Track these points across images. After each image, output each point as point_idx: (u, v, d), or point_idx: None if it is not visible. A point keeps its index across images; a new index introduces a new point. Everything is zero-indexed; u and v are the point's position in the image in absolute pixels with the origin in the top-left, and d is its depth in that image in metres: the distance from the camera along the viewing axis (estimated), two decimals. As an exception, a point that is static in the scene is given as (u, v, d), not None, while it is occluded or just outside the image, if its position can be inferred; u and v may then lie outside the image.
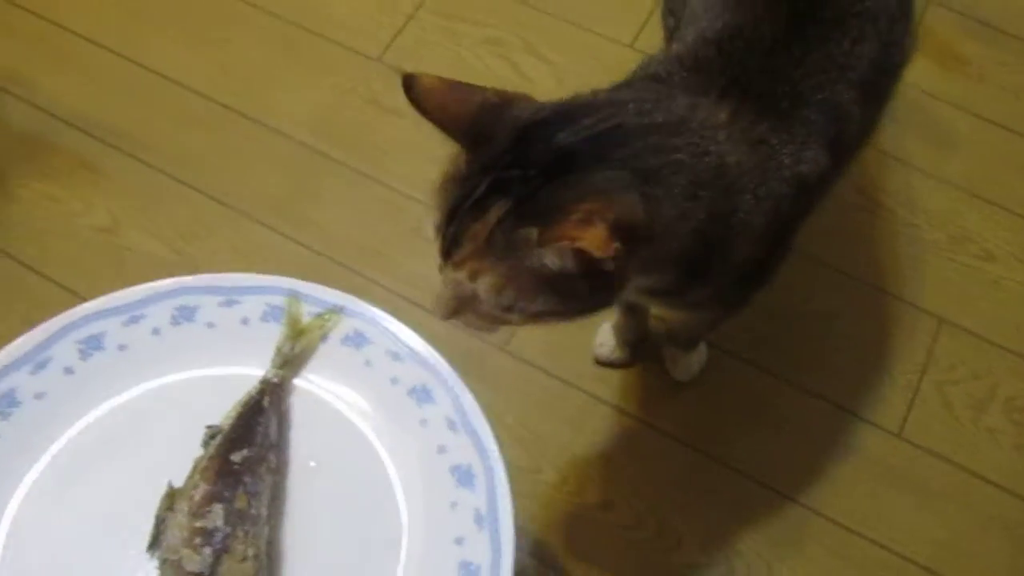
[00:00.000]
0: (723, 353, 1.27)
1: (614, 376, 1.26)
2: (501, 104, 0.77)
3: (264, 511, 0.77)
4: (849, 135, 0.92)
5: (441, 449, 0.81)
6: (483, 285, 0.75)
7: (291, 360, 0.85)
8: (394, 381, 0.85)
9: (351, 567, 0.77)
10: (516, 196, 0.72)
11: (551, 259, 0.72)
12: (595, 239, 0.69)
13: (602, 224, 0.69)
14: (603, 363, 1.27)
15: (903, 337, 1.29)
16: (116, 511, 0.78)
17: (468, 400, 0.83)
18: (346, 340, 0.86)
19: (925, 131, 1.46)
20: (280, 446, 0.81)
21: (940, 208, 1.38)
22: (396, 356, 0.85)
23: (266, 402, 0.81)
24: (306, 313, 0.87)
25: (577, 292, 0.75)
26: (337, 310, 0.87)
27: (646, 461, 1.21)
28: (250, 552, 0.73)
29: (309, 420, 0.83)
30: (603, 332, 1.26)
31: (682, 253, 0.81)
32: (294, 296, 0.87)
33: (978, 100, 1.48)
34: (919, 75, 1.43)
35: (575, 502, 1.18)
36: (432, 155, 1.27)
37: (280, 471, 0.80)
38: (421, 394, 0.84)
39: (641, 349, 1.27)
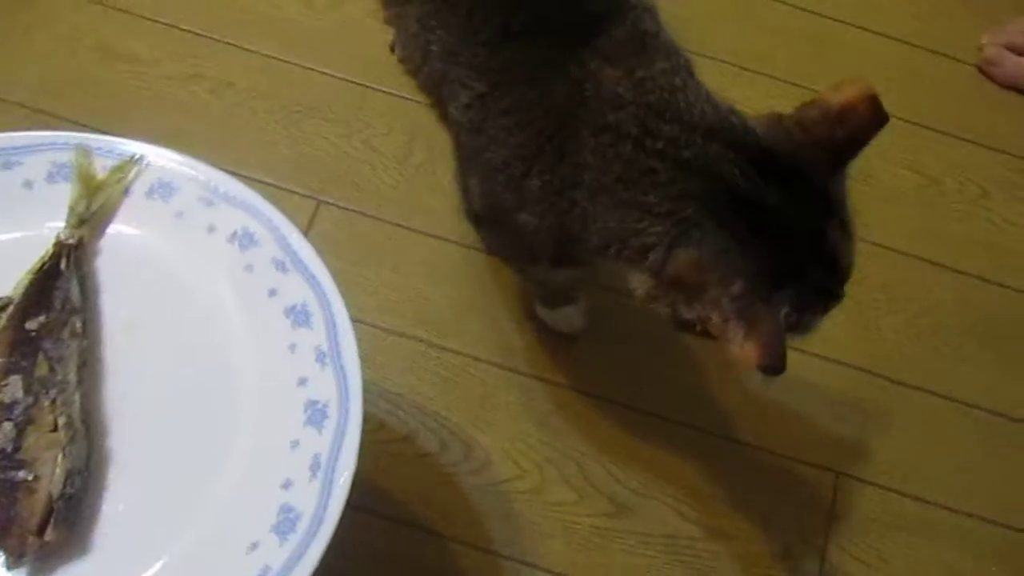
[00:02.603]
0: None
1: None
2: None
3: (72, 377, 0.69)
4: None
5: (272, 292, 0.75)
6: None
7: (88, 219, 0.76)
8: (211, 229, 0.77)
9: (185, 426, 0.71)
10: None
11: None
12: None
13: None
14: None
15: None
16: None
17: (295, 237, 0.77)
18: (151, 192, 0.78)
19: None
20: (86, 310, 0.73)
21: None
22: (209, 203, 0.78)
23: (63, 264, 0.73)
24: (101, 167, 0.78)
25: None
26: (136, 160, 0.79)
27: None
28: (60, 420, 0.66)
29: (121, 280, 0.76)
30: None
31: None
32: (82, 149, 0.78)
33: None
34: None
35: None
36: (181, 103, 1.23)
37: (90, 336, 0.72)
38: (243, 238, 0.77)
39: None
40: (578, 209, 0.82)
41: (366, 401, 0.71)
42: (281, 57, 1.28)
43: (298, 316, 0.74)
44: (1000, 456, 1.16)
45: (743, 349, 0.71)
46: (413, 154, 1.24)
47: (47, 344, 0.69)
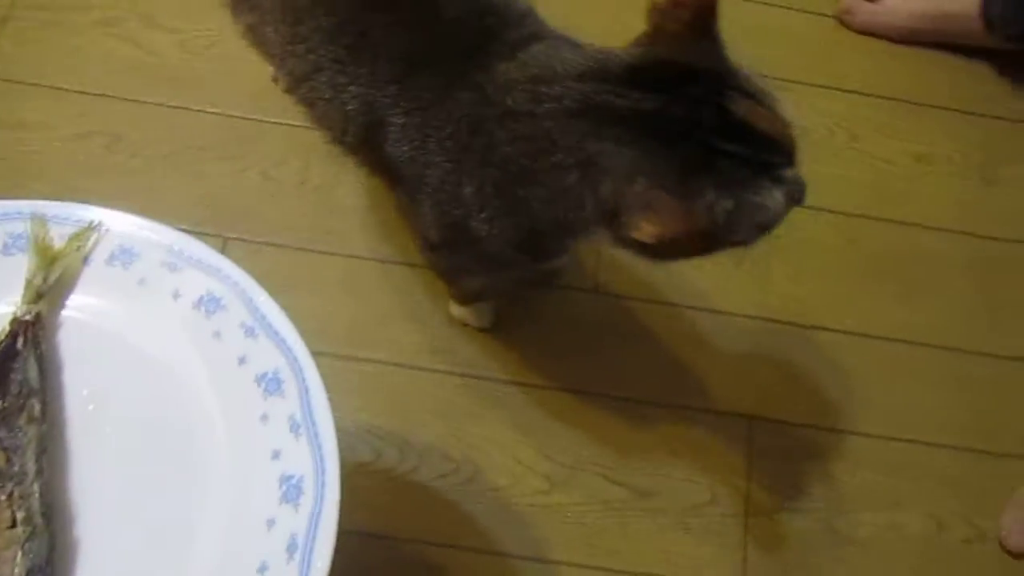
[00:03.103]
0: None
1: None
2: None
3: (31, 466, 0.65)
4: None
5: (242, 360, 0.72)
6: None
7: (46, 293, 0.73)
8: (176, 295, 0.74)
9: (155, 508, 0.67)
10: None
11: None
12: None
13: None
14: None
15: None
16: None
17: (263, 300, 0.74)
18: (112, 259, 0.75)
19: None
20: (46, 391, 0.69)
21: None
22: (173, 267, 0.75)
23: (20, 343, 0.69)
24: (58, 236, 0.75)
25: None
26: (94, 227, 0.76)
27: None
28: (19, 515, 0.63)
29: (83, 356, 0.72)
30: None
31: None
32: (38, 218, 0.75)
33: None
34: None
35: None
36: (77, 162, 1.23)
37: (50, 419, 0.69)
38: (209, 303, 0.74)
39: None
40: (523, 202, 0.87)
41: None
42: (167, 103, 1.30)
43: (270, 384, 0.71)
44: (905, 379, 1.24)
45: (645, 229, 0.75)
46: (310, 179, 1.27)
47: (2, 433, 0.66)
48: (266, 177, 1.27)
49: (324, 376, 0.68)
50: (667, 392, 1.20)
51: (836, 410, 1.21)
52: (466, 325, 1.20)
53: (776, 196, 0.79)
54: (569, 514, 1.12)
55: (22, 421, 0.67)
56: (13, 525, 0.63)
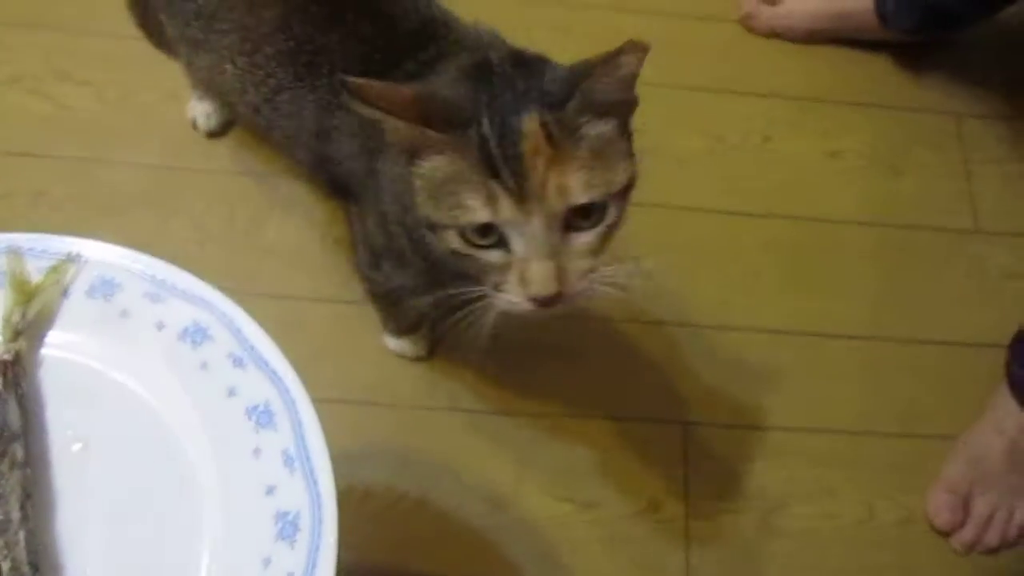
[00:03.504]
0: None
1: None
2: (427, 94, 0.76)
3: (16, 514, 0.63)
4: None
5: (231, 392, 0.70)
6: (577, 185, 0.72)
7: (24, 330, 0.70)
8: (160, 327, 0.72)
9: (147, 552, 0.66)
10: (536, 100, 0.72)
11: (616, 94, 0.75)
12: (640, 46, 0.73)
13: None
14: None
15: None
16: None
17: (251, 329, 0.72)
18: (92, 291, 0.73)
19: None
20: (28, 433, 0.67)
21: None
22: (156, 297, 0.73)
23: (0, 384, 0.67)
24: (35, 270, 0.72)
25: (630, 144, 0.78)
26: (72, 259, 0.74)
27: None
28: (4, 566, 0.61)
29: (65, 394, 0.70)
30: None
31: None
32: (13, 252, 0.72)
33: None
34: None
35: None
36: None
37: (34, 462, 0.67)
38: (195, 334, 0.72)
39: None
40: None
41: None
42: (87, 156, 1.31)
43: (261, 417, 0.69)
44: (824, 371, 1.29)
45: None
46: (237, 223, 1.30)
47: None
48: (193, 225, 1.29)
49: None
50: (597, 404, 1.24)
51: (763, 408, 1.26)
52: (402, 357, 1.22)
53: None
54: (514, 533, 1.15)
55: (4, 467, 0.65)
56: None
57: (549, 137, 0.71)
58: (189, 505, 0.67)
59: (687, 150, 1.44)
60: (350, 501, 1.14)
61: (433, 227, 0.77)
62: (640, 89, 1.39)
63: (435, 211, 0.75)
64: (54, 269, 0.73)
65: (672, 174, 1.40)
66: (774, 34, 1.55)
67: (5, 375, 0.68)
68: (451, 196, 0.73)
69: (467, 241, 0.75)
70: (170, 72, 1.37)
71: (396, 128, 0.74)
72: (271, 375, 0.70)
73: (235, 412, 0.69)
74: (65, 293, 0.73)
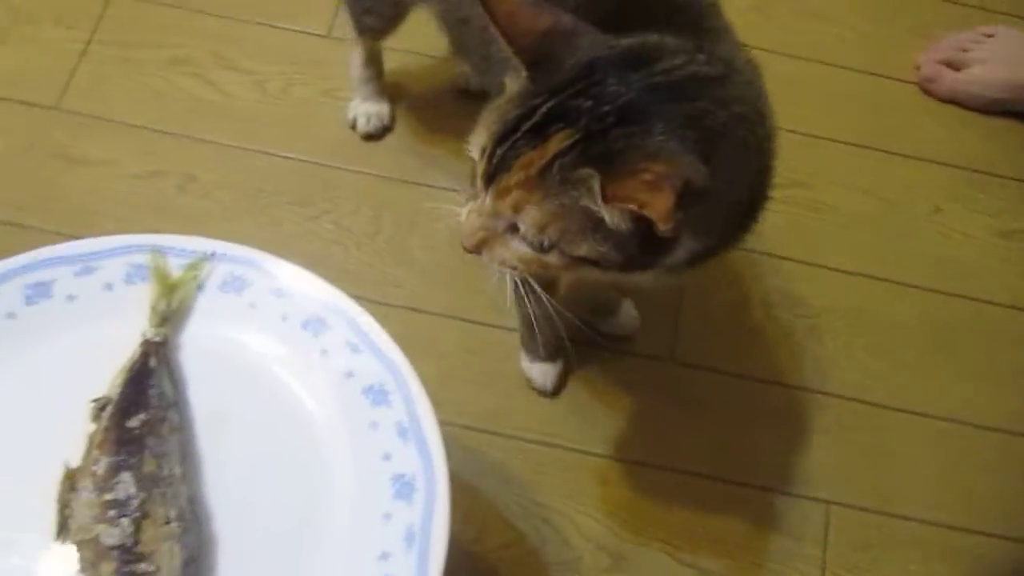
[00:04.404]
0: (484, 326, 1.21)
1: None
2: (573, 31, 0.72)
3: (177, 470, 0.73)
4: None
5: (349, 374, 0.79)
6: (527, 218, 0.71)
7: (169, 317, 0.80)
8: (284, 318, 0.81)
9: (282, 505, 0.74)
10: (584, 130, 0.68)
11: (609, 216, 0.68)
12: (662, 208, 0.64)
13: (671, 192, 0.64)
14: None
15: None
16: (9, 506, 0.71)
17: (365, 320, 0.81)
18: (224, 286, 0.82)
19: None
20: (179, 404, 0.77)
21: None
22: (280, 293, 0.82)
23: (152, 362, 0.77)
24: (175, 266, 0.82)
25: (627, 248, 0.71)
26: (207, 257, 0.83)
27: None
28: (172, 513, 0.70)
29: (203, 373, 0.79)
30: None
31: (730, 213, 0.79)
32: (156, 251, 0.82)
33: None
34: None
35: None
36: (147, 201, 1.25)
37: (185, 430, 0.76)
38: (315, 325, 0.81)
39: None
40: None
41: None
42: (241, 145, 1.29)
43: (376, 396, 0.78)
44: (973, 463, 1.20)
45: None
46: (382, 230, 1.26)
47: (151, 441, 0.73)
48: (338, 226, 1.26)
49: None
50: (739, 469, 1.16)
51: (902, 495, 1.17)
52: (532, 388, 1.17)
53: None
54: (633, 593, 1.08)
55: (165, 430, 0.74)
56: (168, 522, 0.70)
57: (548, 167, 0.69)
58: (316, 469, 0.76)
59: (851, 211, 1.36)
60: (464, 539, 1.08)
61: (479, 119, 0.76)
62: (807, 141, 1.41)
63: (489, 107, 0.76)
64: (192, 266, 0.83)
65: (833, 234, 1.34)
66: (953, 100, 1.46)
67: (158, 354, 0.78)
68: (491, 115, 0.74)
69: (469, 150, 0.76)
70: (332, 70, 1.36)
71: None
72: (384, 360, 0.80)
73: (354, 391, 0.79)
74: (201, 287, 0.82)
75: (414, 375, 0.79)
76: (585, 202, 0.68)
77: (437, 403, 1.12)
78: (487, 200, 0.73)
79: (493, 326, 1.20)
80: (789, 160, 1.25)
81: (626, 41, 0.74)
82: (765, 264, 1.29)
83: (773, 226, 1.21)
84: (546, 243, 0.72)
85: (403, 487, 0.74)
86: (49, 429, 0.74)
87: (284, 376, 0.79)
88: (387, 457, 0.76)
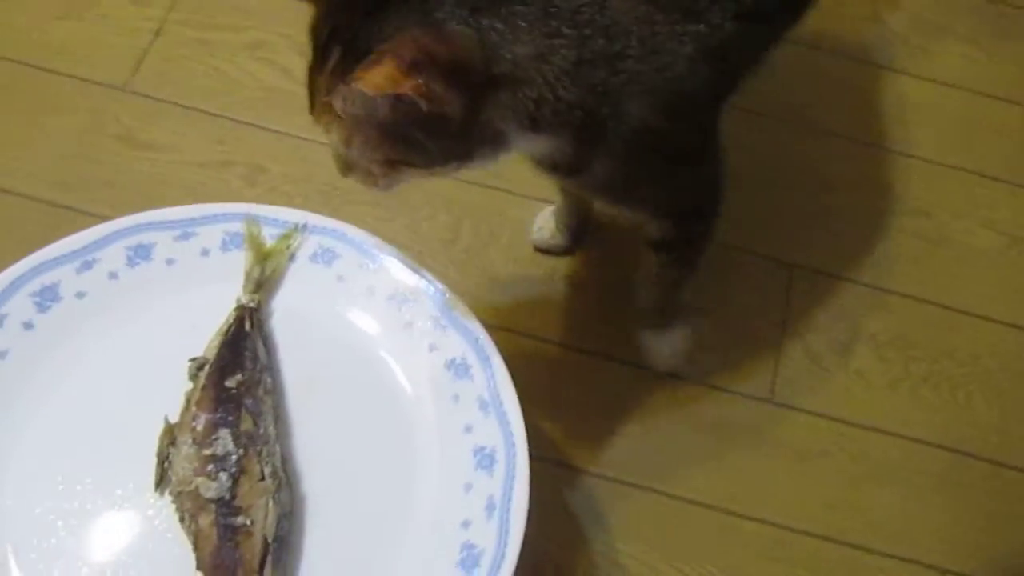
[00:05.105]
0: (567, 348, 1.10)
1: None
2: None
3: (272, 430, 0.75)
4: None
5: (432, 347, 0.82)
6: (334, 137, 0.72)
7: (262, 284, 0.83)
8: (370, 291, 0.84)
9: (367, 470, 0.77)
10: (344, 42, 0.69)
11: (376, 105, 0.67)
12: (379, 77, 0.63)
13: (390, 62, 0.63)
14: (541, 249, 1.16)
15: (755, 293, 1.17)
16: (110, 457, 0.74)
17: (449, 296, 0.84)
18: (315, 258, 0.85)
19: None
20: (272, 368, 0.79)
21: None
22: (367, 267, 0.85)
23: (247, 326, 0.79)
24: (269, 236, 0.85)
25: (418, 141, 0.70)
26: (299, 228, 0.86)
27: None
28: (267, 470, 0.72)
29: (293, 340, 0.82)
30: (542, 216, 1.16)
31: (564, 108, 0.73)
32: (252, 220, 0.85)
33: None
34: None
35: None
36: (212, 191, 1.18)
37: (277, 392, 0.79)
38: (400, 299, 0.84)
39: (584, 237, 1.15)
40: None
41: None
42: (311, 137, 1.22)
43: (458, 369, 0.81)
44: None
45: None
46: (460, 237, 1.17)
47: (247, 401, 0.75)
48: (413, 231, 1.17)
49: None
50: (845, 527, 1.03)
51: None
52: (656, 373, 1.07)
53: None
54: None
55: (260, 392, 0.77)
56: (263, 478, 0.72)
57: (331, 85, 0.69)
58: (399, 437, 0.79)
59: (977, 246, 1.24)
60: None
61: None
62: (929, 169, 1.29)
63: None
64: (284, 236, 0.85)
65: (954, 270, 1.21)
66: None
67: (252, 319, 0.80)
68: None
69: None
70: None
71: None
72: (467, 335, 0.82)
73: (436, 364, 0.81)
74: (292, 257, 0.85)
75: (495, 350, 0.81)
76: (363, 108, 0.68)
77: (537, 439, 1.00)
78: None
79: (589, 353, 1.09)
80: (910, 187, 1.25)
81: None
82: (875, 299, 1.18)
83: (886, 256, 1.20)
84: (354, 155, 0.73)
85: (484, 459, 0.77)
86: (148, 385, 0.77)
87: (370, 347, 0.82)
88: (468, 429, 0.78)
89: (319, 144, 1.20)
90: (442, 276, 1.11)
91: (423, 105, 0.66)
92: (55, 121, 1.21)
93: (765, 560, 1.01)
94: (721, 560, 1.00)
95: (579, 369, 1.10)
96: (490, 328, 0.95)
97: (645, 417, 1.08)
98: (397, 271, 0.85)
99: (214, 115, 1.26)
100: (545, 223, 1.17)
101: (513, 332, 1.10)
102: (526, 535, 0.74)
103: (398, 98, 0.66)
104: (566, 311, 1.14)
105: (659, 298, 1.05)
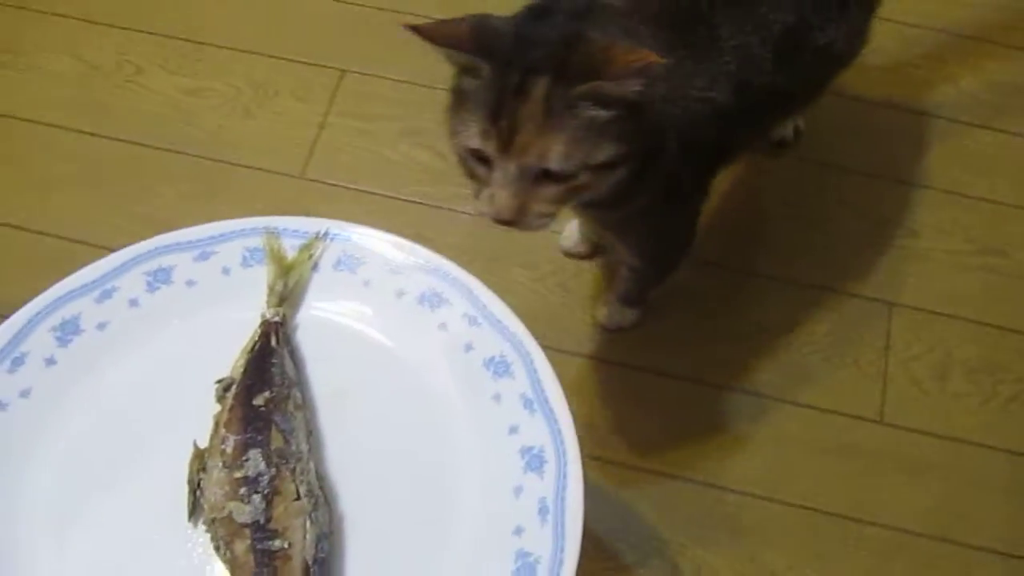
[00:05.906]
0: (693, 383, 1.23)
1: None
2: (483, 20, 0.82)
3: (304, 447, 0.71)
4: (758, 86, 0.99)
5: (468, 347, 0.78)
6: (555, 154, 0.78)
7: (286, 297, 0.80)
8: (399, 294, 0.80)
9: (407, 483, 0.73)
10: (552, 67, 0.77)
11: (613, 91, 0.77)
12: (643, 54, 0.76)
13: (619, 49, 0.77)
14: (566, 254, 1.31)
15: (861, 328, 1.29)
16: (146, 488, 0.71)
17: (483, 293, 0.80)
18: (339, 265, 0.82)
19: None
20: (301, 382, 0.76)
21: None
22: (394, 269, 0.81)
23: (273, 342, 0.76)
24: (288, 247, 0.82)
25: (628, 132, 0.80)
26: (320, 237, 0.82)
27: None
28: (302, 489, 0.68)
29: (322, 351, 0.79)
30: (569, 227, 1.31)
31: (646, 134, 0.85)
32: (271, 232, 0.82)
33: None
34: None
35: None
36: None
37: (308, 407, 0.75)
38: (432, 299, 0.80)
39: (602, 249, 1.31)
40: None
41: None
42: (470, 211, 1.30)
43: (498, 367, 0.76)
44: None
45: None
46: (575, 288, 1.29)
47: (277, 418, 0.72)
48: (563, 288, 1.29)
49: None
50: (952, 528, 1.14)
51: None
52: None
53: None
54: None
55: (290, 408, 0.73)
56: (298, 497, 0.68)
57: (548, 108, 0.77)
58: (440, 444, 0.74)
59: None
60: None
61: (451, 132, 0.84)
62: (1006, 211, 1.37)
63: (454, 117, 0.83)
64: (306, 246, 0.82)
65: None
66: None
67: (277, 333, 0.77)
68: (466, 112, 0.81)
69: (467, 149, 0.82)
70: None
71: (451, 55, 0.81)
72: (504, 331, 0.78)
73: (474, 364, 0.77)
74: (315, 267, 0.82)
75: (536, 346, 0.76)
76: (588, 112, 0.78)
77: (604, 443, 1.19)
78: (511, 167, 0.79)
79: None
80: (985, 227, 1.37)
81: (523, 7, 0.85)
82: (964, 329, 1.28)
83: (969, 292, 1.32)
84: (575, 164, 0.80)
85: (532, 459, 0.72)
86: (175, 412, 0.74)
87: (402, 352, 0.78)
88: (514, 430, 0.74)
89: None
90: (591, 326, 1.28)
91: (660, 69, 0.78)
92: (250, 207, 1.25)
93: (883, 560, 1.13)
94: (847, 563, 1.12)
95: (693, 396, 1.23)
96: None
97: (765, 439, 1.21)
98: (426, 272, 0.81)
99: (380, 195, 1.37)
100: (571, 232, 1.33)
101: (647, 371, 1.24)
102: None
103: (647, 67, 0.76)
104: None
105: (629, 289, 1.23)
